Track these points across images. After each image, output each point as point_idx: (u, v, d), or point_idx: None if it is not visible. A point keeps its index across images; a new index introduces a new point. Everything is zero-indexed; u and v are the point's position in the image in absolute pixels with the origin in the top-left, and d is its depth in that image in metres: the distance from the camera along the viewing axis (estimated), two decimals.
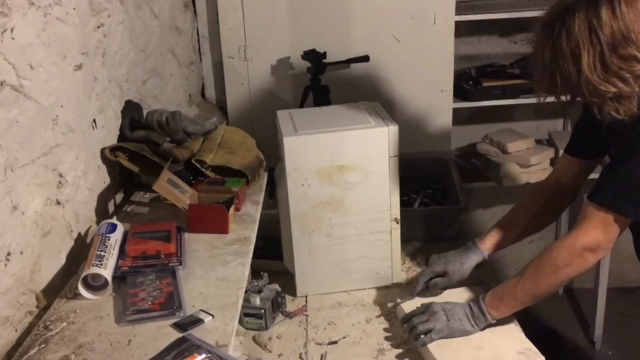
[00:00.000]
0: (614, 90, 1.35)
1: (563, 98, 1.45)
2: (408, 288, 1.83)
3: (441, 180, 2.48)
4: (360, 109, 1.91)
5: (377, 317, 1.76)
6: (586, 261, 1.47)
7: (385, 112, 1.86)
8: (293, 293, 1.86)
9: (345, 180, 1.76)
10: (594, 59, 1.34)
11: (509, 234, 1.77)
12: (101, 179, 1.67)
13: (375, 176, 1.77)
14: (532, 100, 2.77)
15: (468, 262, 1.74)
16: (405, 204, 2.27)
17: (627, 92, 1.35)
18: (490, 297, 1.57)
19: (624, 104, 1.36)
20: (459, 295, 1.71)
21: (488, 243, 1.77)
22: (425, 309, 1.61)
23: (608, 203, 1.44)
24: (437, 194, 2.41)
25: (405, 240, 1.92)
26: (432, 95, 2.71)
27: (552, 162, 2.80)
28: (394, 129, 1.75)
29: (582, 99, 1.42)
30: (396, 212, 1.82)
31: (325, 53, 2.47)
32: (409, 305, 1.70)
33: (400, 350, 1.62)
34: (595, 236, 1.45)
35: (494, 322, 1.57)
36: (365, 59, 2.55)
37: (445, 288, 1.75)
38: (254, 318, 1.71)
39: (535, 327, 2.97)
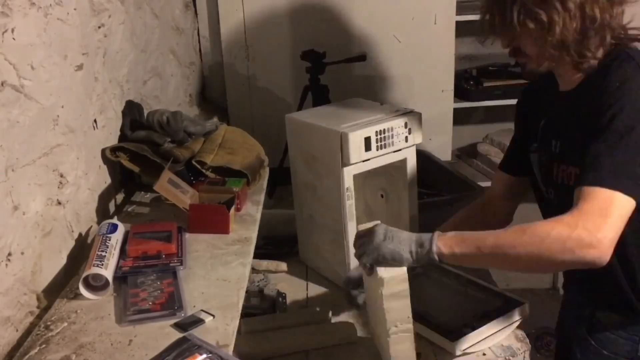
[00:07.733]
0: (544, 18, 1.30)
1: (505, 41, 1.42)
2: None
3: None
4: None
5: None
6: (582, 252, 1.16)
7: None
8: (292, 295, 1.84)
9: None
10: None
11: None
12: (102, 179, 1.67)
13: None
14: None
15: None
16: None
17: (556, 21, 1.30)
18: (450, 235, 1.28)
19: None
20: None
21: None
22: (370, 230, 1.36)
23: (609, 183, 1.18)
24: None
25: None
26: (432, 95, 2.72)
27: None
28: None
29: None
30: None
31: (324, 53, 2.47)
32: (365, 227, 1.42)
33: None
34: (596, 223, 1.16)
35: (436, 260, 1.28)
36: (362, 58, 2.53)
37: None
38: None
39: (535, 327, 2.98)
